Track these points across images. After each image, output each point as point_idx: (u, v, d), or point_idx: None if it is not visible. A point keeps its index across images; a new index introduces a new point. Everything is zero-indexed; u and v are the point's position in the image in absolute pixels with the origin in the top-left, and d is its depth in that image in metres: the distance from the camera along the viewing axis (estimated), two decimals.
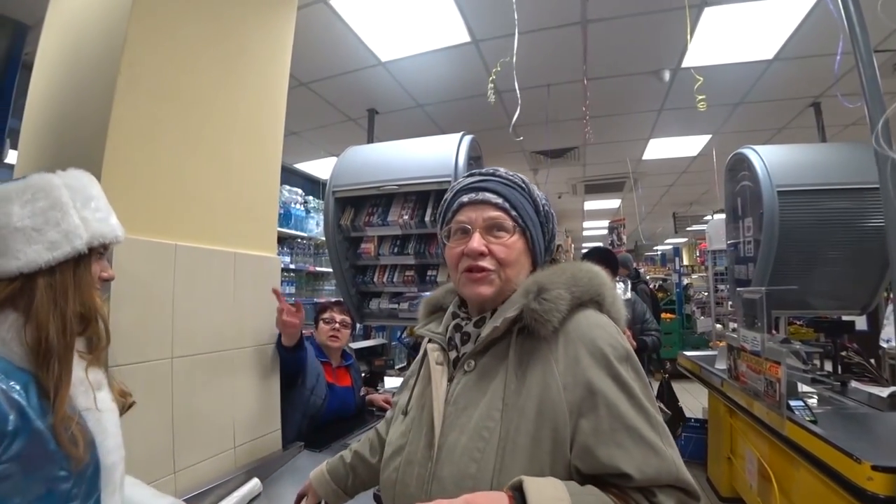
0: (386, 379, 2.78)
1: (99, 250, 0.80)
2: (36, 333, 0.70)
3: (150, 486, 1.00)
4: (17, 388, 0.67)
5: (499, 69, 2.55)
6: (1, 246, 0.71)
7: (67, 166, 0.85)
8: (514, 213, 0.77)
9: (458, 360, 0.78)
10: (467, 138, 2.45)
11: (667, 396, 3.15)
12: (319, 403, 1.82)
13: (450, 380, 0.77)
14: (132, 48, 1.19)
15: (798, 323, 4.08)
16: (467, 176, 0.83)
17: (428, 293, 0.90)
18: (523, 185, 0.81)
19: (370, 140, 3.91)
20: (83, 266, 0.77)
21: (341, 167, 2.65)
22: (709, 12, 2.59)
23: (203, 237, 1.38)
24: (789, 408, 1.82)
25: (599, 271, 0.79)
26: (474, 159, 2.56)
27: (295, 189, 4.40)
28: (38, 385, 0.70)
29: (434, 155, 2.43)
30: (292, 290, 4.21)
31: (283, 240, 4.11)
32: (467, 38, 2.88)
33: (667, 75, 3.21)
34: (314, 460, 1.54)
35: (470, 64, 3.09)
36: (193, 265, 1.32)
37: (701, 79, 2.36)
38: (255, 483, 1.33)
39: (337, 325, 2.02)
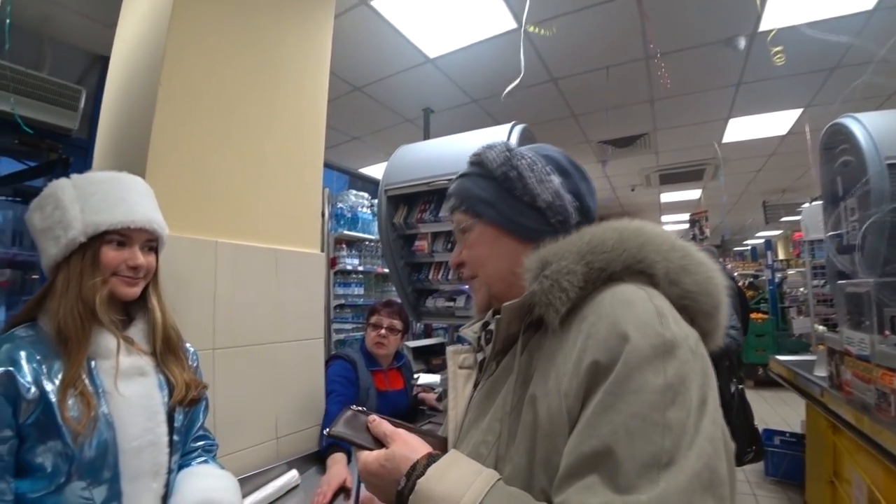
0: (421, 376, 2.74)
1: (113, 239, 0.83)
2: (54, 315, 0.78)
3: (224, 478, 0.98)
4: (41, 360, 0.75)
5: (535, 30, 2.42)
6: (40, 249, 0.84)
7: (121, 170, 0.92)
8: (464, 206, 0.70)
9: (484, 363, 0.69)
10: (518, 127, 2.34)
11: (735, 412, 2.52)
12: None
13: (476, 385, 0.69)
14: (170, 61, 1.26)
15: None
16: None
17: None
18: (478, 161, 0.71)
19: (427, 139, 3.92)
20: (89, 254, 0.81)
21: (392, 166, 2.66)
22: None
23: (243, 234, 1.43)
24: None
25: (647, 228, 0.59)
26: None
27: (361, 193, 4.49)
28: (60, 362, 0.77)
29: None
30: (361, 290, 4.32)
31: (351, 243, 4.24)
32: (513, 25, 2.78)
33: (742, 43, 2.85)
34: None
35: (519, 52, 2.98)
36: (234, 261, 1.38)
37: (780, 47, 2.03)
38: (293, 475, 1.35)
39: (383, 331, 1.93)
